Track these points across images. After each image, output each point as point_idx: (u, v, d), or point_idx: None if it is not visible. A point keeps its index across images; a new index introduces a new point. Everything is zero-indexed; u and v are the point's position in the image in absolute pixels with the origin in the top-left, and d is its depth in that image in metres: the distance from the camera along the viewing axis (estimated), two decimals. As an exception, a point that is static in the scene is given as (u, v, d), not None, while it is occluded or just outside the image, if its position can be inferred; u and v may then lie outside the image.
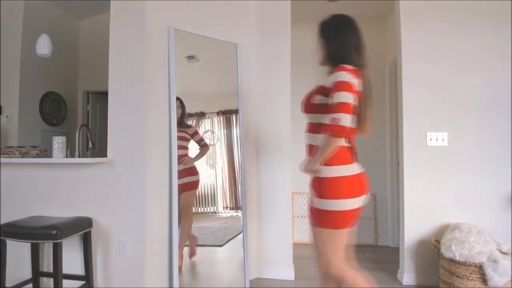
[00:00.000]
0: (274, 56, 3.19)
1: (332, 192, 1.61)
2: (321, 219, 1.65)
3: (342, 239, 1.67)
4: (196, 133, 2.88)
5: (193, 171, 2.82)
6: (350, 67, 1.63)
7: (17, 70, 3.85)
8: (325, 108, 1.61)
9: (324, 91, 1.66)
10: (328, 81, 1.65)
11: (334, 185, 1.61)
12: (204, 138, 2.94)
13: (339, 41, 1.73)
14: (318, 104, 1.68)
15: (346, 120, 1.51)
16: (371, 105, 1.76)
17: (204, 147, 2.92)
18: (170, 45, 2.67)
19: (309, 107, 1.73)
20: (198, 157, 2.89)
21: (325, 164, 1.62)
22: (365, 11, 4.11)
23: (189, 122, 2.90)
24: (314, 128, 1.72)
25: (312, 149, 1.71)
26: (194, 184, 2.84)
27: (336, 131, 1.52)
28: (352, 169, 1.67)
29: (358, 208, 1.65)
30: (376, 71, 4.30)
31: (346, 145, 1.68)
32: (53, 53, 3.55)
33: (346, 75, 1.58)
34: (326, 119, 1.58)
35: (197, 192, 2.91)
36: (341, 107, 1.52)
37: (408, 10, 2.98)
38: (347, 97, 1.54)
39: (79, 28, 4.75)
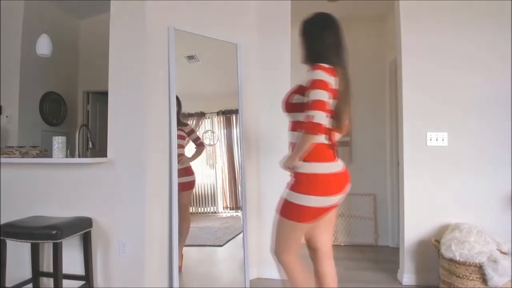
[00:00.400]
0: (274, 56, 3.19)
1: (302, 187, 1.63)
2: (285, 209, 1.68)
3: (299, 233, 1.71)
4: (192, 131, 2.87)
5: (189, 171, 2.81)
6: (326, 65, 1.64)
7: (17, 70, 3.85)
8: (303, 107, 1.63)
9: (302, 90, 1.69)
10: (305, 80, 1.67)
11: (306, 180, 1.64)
12: (204, 137, 2.94)
13: (318, 39, 1.75)
14: (296, 103, 1.71)
15: (320, 117, 1.53)
16: (350, 103, 1.76)
17: (200, 146, 2.91)
18: (170, 45, 2.67)
19: (289, 106, 1.76)
20: (195, 156, 2.88)
21: (303, 161, 1.64)
22: (365, 11, 4.12)
23: (190, 122, 2.90)
24: (294, 126, 1.75)
25: (294, 147, 1.74)
26: (191, 185, 2.83)
27: (310, 128, 1.54)
28: (328, 167, 1.67)
29: (325, 207, 1.65)
30: (376, 71, 4.30)
31: (326, 142, 1.69)
32: (53, 53, 3.55)
33: (321, 74, 1.60)
34: (303, 117, 1.60)
35: (197, 192, 2.91)
36: (315, 105, 1.54)
37: (408, 10, 2.98)
38: (322, 95, 1.56)
39: (79, 28, 4.75)
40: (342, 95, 1.68)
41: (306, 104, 1.59)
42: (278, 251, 1.75)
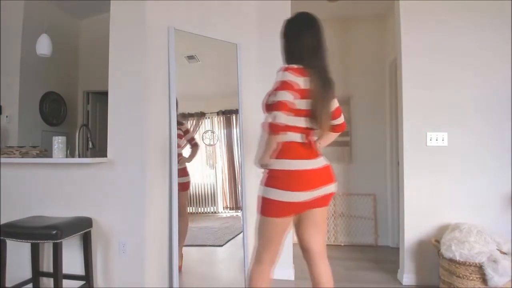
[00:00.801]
0: (274, 56, 3.16)
1: (271, 181, 1.67)
2: (259, 205, 1.74)
3: (274, 230, 1.71)
4: (188, 131, 2.86)
5: (185, 172, 2.81)
6: (295, 66, 1.65)
7: (17, 70, 3.85)
8: None
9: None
10: None
11: (275, 176, 1.67)
12: (204, 137, 2.94)
13: (294, 41, 1.77)
14: (270, 104, 1.73)
15: (279, 118, 1.55)
16: (328, 103, 1.75)
17: (195, 146, 2.90)
18: (170, 45, 2.67)
19: (265, 107, 1.79)
20: (192, 157, 2.87)
21: (275, 158, 1.69)
22: (365, 11, 4.12)
23: (190, 122, 2.90)
24: None
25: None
26: (186, 185, 2.82)
27: (269, 128, 1.57)
28: (299, 164, 1.68)
29: (295, 202, 1.65)
30: (376, 71, 4.30)
31: (300, 141, 1.72)
32: (53, 53, 3.55)
33: (286, 74, 1.62)
34: None
35: (197, 192, 2.91)
36: (276, 106, 1.57)
37: (408, 10, 2.98)
38: (283, 96, 1.58)
39: (79, 28, 4.75)
40: (316, 95, 1.68)
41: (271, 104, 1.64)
42: (258, 251, 1.77)
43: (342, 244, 4.26)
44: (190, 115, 2.90)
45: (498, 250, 2.44)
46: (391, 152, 4.15)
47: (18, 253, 2.56)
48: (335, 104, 1.86)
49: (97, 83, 4.45)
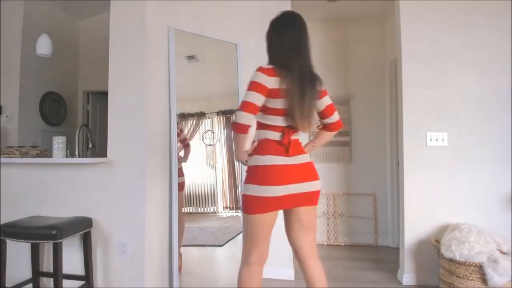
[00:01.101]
0: (274, 56, 3.18)
1: (248, 178, 1.73)
2: (242, 203, 1.78)
3: (254, 227, 1.72)
4: (181, 131, 2.86)
5: (180, 172, 2.81)
6: (268, 66, 1.68)
7: (17, 70, 3.85)
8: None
9: None
10: None
11: (252, 172, 1.73)
12: (204, 137, 2.94)
13: (274, 41, 1.78)
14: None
15: (241, 117, 1.61)
16: (306, 101, 1.71)
17: (187, 147, 2.90)
18: (170, 45, 2.67)
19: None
20: (186, 157, 2.87)
21: (252, 155, 1.76)
22: (365, 11, 4.12)
23: (190, 122, 2.90)
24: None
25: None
26: (181, 186, 2.82)
27: (232, 127, 1.65)
28: (273, 160, 1.70)
29: (270, 196, 1.66)
30: (376, 71, 4.30)
31: (275, 139, 1.73)
32: (53, 53, 3.56)
33: (256, 75, 1.66)
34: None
35: (197, 192, 2.91)
36: (241, 105, 1.64)
37: (408, 10, 2.98)
38: (248, 96, 1.64)
39: (79, 28, 4.75)
40: (291, 94, 1.68)
41: None
42: (245, 250, 1.79)
43: (342, 244, 4.26)
44: (190, 115, 2.90)
45: (498, 250, 2.44)
46: (391, 152, 4.15)
47: (18, 253, 2.56)
48: (325, 102, 1.83)
49: (97, 83, 4.45)
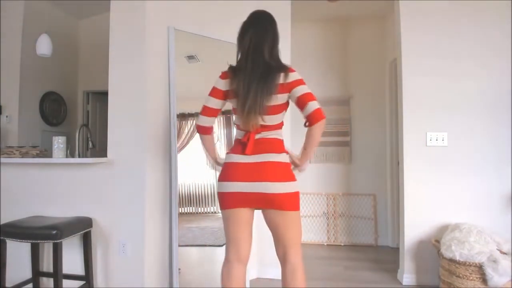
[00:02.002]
0: (274, 56, 3.18)
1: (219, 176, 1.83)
2: None
3: (225, 223, 1.80)
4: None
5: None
6: (225, 70, 1.79)
7: (17, 70, 3.85)
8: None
9: None
10: None
11: (221, 170, 1.84)
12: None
13: (240, 40, 1.82)
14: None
15: (198, 119, 1.82)
16: (257, 98, 1.65)
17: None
18: (170, 45, 2.67)
19: None
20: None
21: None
22: (365, 11, 4.12)
23: (190, 122, 2.90)
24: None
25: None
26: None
27: (196, 129, 1.85)
28: (231, 157, 1.77)
29: (228, 192, 1.71)
30: (376, 71, 4.30)
31: (240, 137, 1.80)
32: (53, 53, 3.55)
33: (216, 80, 1.80)
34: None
35: (197, 192, 2.91)
36: (201, 109, 1.81)
37: (408, 10, 2.98)
38: (205, 100, 1.81)
39: (79, 28, 4.75)
40: (239, 94, 1.70)
41: None
42: (225, 249, 1.85)
43: (342, 244, 4.26)
44: (190, 115, 2.90)
45: (498, 250, 2.44)
46: (391, 152, 4.15)
47: (18, 253, 2.56)
48: (296, 93, 1.67)
49: (97, 83, 4.45)
